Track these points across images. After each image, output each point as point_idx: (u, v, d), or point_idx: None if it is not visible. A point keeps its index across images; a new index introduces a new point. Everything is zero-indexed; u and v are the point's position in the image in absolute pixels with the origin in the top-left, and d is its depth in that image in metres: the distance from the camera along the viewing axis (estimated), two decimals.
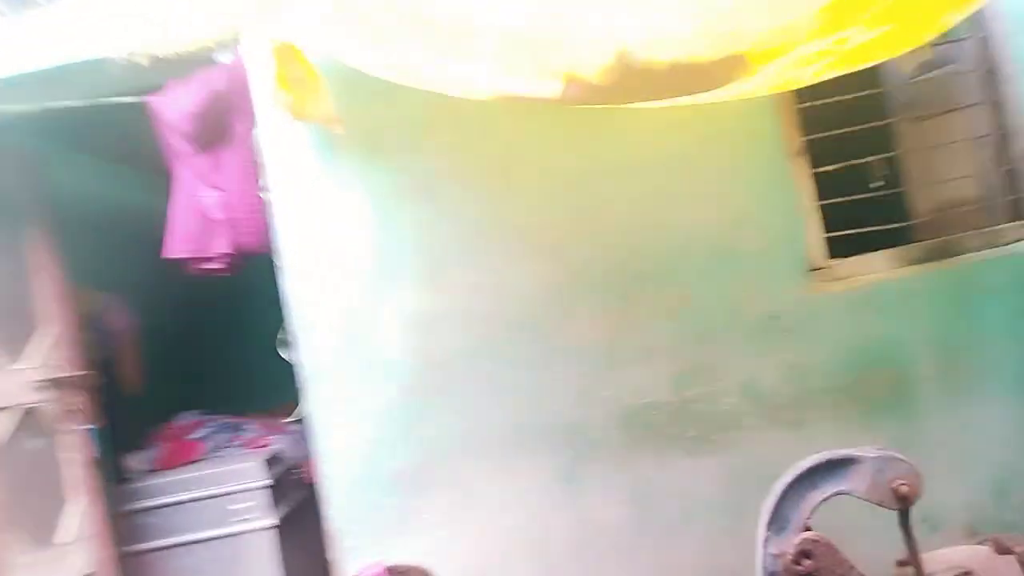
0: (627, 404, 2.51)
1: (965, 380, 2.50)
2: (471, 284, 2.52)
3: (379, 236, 2.52)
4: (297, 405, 5.17)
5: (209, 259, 2.80)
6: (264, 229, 2.65)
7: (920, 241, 2.60)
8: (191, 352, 5.20)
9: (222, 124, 2.69)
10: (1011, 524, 2.49)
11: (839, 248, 2.58)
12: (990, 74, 2.63)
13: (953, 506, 2.48)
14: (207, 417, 4.15)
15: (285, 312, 2.56)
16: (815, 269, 2.54)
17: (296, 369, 2.55)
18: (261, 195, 2.62)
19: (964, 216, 2.66)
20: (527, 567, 2.49)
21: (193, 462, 3.83)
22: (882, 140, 2.71)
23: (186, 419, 4.13)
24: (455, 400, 2.51)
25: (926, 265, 2.54)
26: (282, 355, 2.55)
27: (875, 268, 2.55)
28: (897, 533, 1.42)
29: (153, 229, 2.92)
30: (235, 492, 3.58)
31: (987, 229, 2.57)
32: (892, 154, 2.70)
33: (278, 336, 2.56)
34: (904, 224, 2.69)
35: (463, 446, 2.50)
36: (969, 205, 2.66)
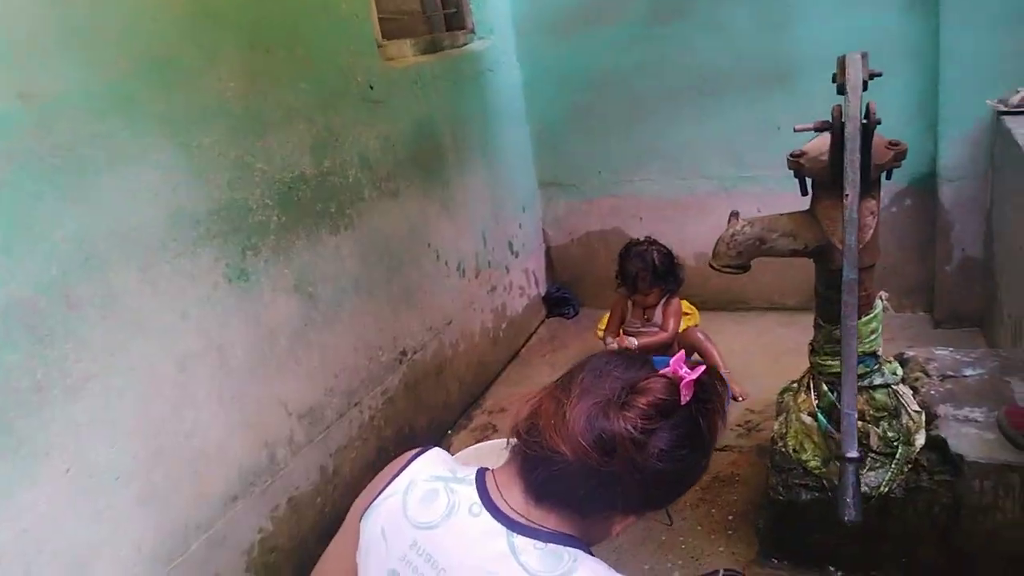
0: (279, 178, 2.10)
1: (466, 152, 3.09)
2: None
3: None
4: None
5: None
6: None
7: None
8: None
9: None
10: (490, 263, 3.29)
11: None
12: None
13: (468, 251, 3.11)
14: None
15: None
16: (380, 46, 2.63)
17: None
18: None
19: (414, 23, 3.14)
20: (209, 390, 1.87)
21: None
22: None
23: None
24: (91, 184, 1.58)
25: (433, 55, 2.96)
26: None
27: (407, 53, 2.82)
28: None
29: None
30: None
31: (435, 35, 3.13)
32: None
33: None
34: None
35: (113, 251, 1.62)
36: (415, 15, 3.15)
